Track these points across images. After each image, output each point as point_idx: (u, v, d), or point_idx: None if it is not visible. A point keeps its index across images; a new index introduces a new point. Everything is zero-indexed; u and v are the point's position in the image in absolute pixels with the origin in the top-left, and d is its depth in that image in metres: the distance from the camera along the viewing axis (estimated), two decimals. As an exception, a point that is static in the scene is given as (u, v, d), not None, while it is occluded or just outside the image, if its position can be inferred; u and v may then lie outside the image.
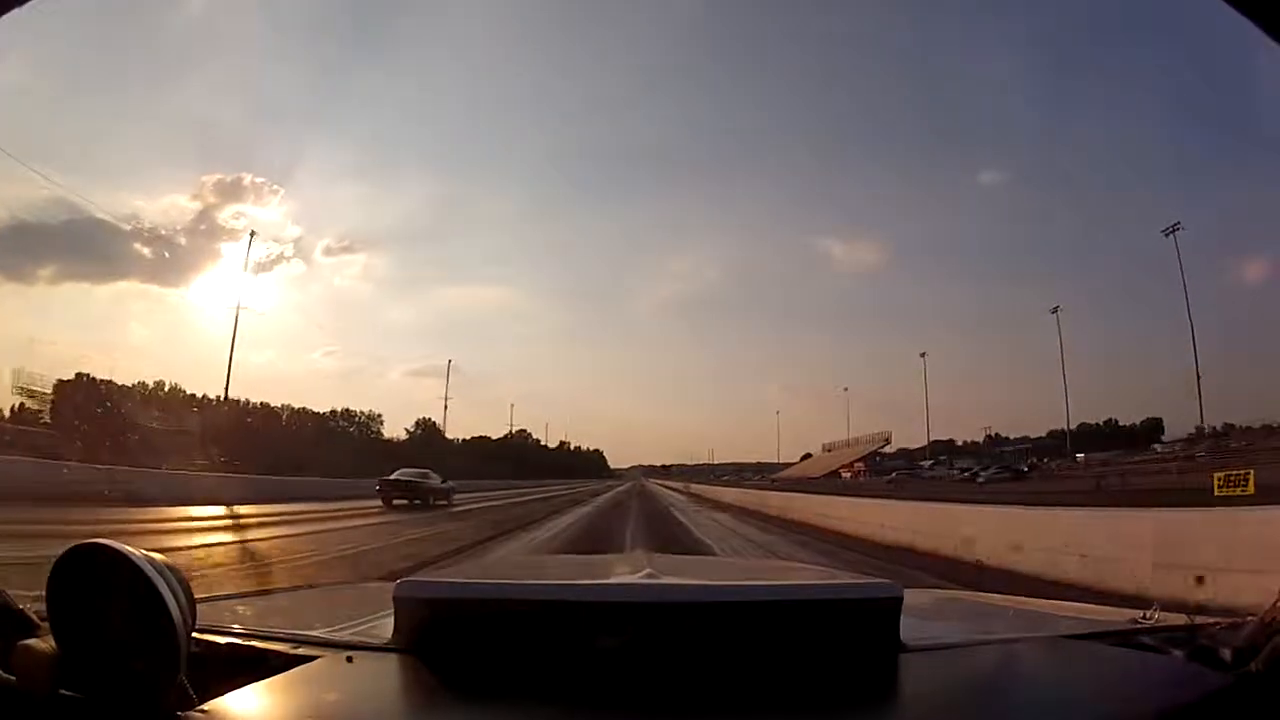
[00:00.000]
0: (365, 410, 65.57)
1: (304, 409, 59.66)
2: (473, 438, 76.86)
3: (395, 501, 20.57)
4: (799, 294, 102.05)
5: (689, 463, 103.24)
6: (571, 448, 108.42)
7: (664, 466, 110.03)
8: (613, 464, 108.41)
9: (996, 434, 65.92)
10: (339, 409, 63.78)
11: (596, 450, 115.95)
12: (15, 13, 1.08)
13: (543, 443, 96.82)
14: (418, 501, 20.87)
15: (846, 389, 77.32)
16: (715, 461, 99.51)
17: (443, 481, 23.37)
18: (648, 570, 1.45)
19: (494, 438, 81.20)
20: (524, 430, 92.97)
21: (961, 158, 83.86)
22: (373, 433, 64.21)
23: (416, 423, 71.26)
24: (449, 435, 72.44)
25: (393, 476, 21.72)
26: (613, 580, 1.46)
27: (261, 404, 54.02)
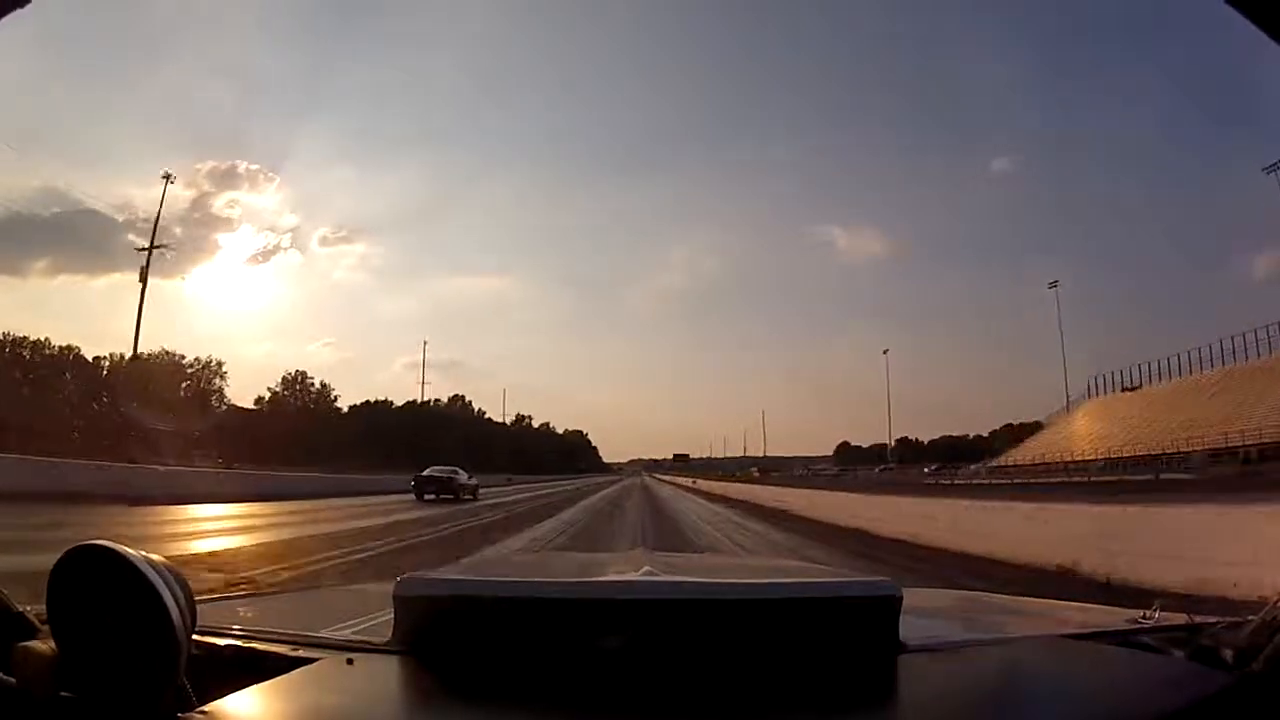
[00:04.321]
0: (200, 358, 47.74)
1: (118, 356, 40.92)
2: (364, 403, 60.37)
3: (426, 496, 23.02)
4: (814, 283, 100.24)
5: (695, 455, 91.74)
6: (532, 425, 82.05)
7: (678, 457, 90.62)
8: (607, 457, 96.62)
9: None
10: (155, 351, 43.14)
11: (578, 432, 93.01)
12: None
13: (488, 416, 74.02)
14: (447, 496, 23.33)
15: (1058, 289, 56.89)
16: (728, 455, 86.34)
17: (469, 478, 26.14)
18: (647, 568, 1.45)
19: (398, 404, 63.43)
20: (459, 397, 72.07)
21: (965, 146, 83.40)
22: (212, 392, 47.30)
23: (284, 379, 55.53)
24: (344, 403, 58.28)
25: (425, 473, 24.92)
26: (612, 578, 1.46)
27: (42, 340, 39.29)
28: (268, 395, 56.02)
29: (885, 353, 70.07)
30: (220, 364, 50.74)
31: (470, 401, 75.68)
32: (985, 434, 71.53)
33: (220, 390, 50.68)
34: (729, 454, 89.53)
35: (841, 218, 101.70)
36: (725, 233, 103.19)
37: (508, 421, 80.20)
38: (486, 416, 75.95)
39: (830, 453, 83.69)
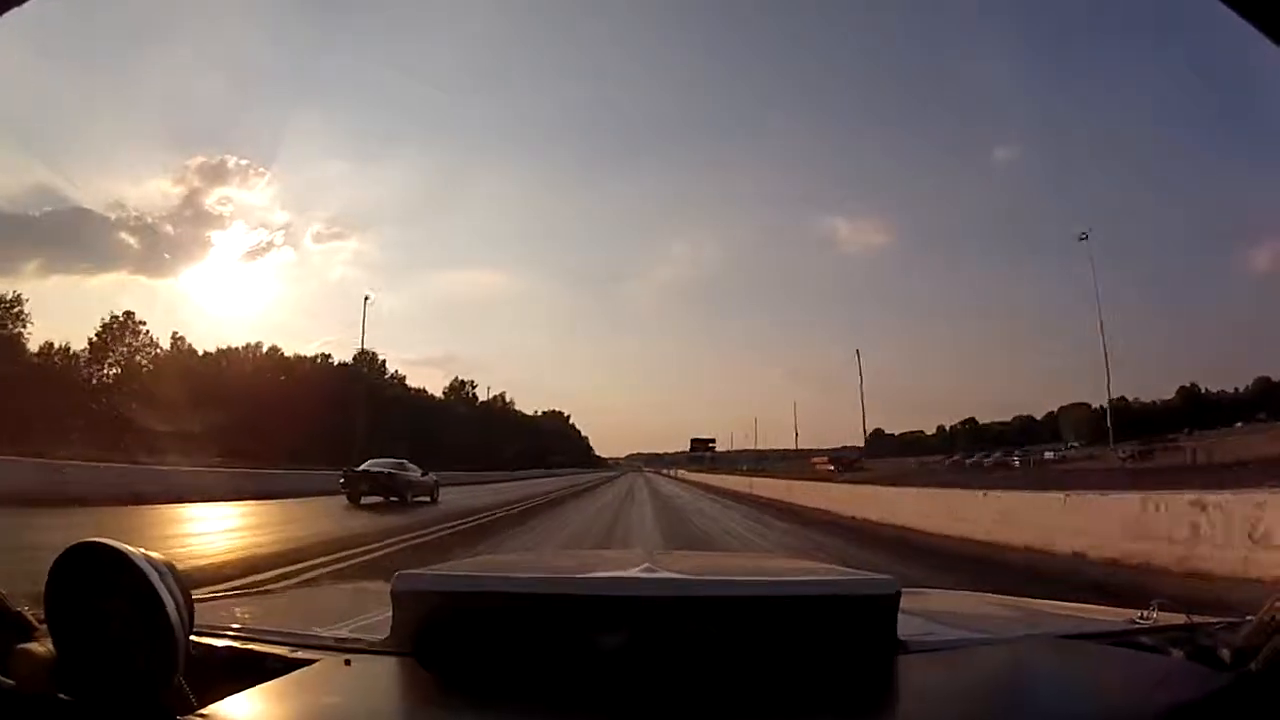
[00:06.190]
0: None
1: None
2: (206, 353, 43.76)
3: (364, 499, 17.60)
4: (816, 275, 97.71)
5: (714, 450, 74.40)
6: (474, 397, 60.87)
7: (697, 445, 71.12)
8: (604, 451, 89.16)
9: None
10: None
11: (556, 414, 71.60)
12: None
13: (402, 380, 54.39)
14: (393, 499, 17.90)
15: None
16: (755, 447, 69.62)
17: (423, 474, 20.21)
18: (647, 565, 1.46)
19: (241, 347, 46.62)
20: (368, 354, 51.79)
21: (967, 135, 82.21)
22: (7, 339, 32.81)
23: (103, 323, 40.40)
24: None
25: (361, 468, 18.76)
26: (613, 574, 1.46)
27: None
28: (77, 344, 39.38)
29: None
30: (17, 300, 34.27)
31: (384, 362, 54.60)
32: (1039, 417, 63.20)
33: (19, 337, 35.00)
34: (756, 446, 73.62)
35: (854, 207, 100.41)
36: (741, 222, 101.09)
37: (435, 392, 59.35)
38: (400, 379, 55.74)
39: (860, 443, 69.10)
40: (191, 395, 32.09)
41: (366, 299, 55.82)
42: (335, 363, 50.51)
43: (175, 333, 44.82)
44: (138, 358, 42.22)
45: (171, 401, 30.78)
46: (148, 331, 42.91)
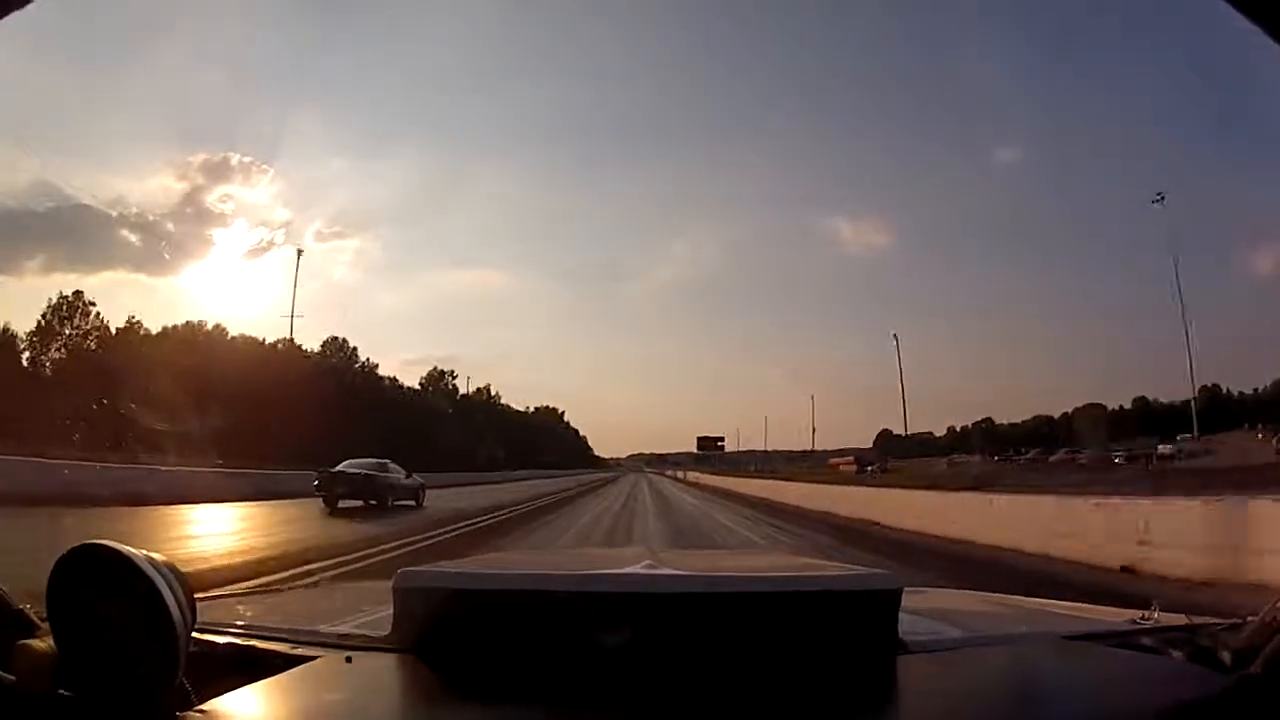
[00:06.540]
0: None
1: None
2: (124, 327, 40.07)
3: (342, 503, 16.53)
4: (817, 275, 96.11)
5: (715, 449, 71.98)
6: (453, 387, 56.95)
7: (705, 443, 66.16)
8: (604, 451, 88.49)
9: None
10: None
11: (549, 409, 67.95)
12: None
13: (375, 370, 51.56)
14: (373, 502, 16.85)
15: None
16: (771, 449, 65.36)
17: (407, 476, 18.92)
18: (648, 561, 1.46)
19: (182, 324, 42.58)
20: (338, 341, 49.24)
21: (968, 134, 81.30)
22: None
23: (50, 304, 38.61)
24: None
25: (338, 469, 17.60)
26: (614, 571, 1.46)
27: None
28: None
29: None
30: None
31: (356, 350, 50.51)
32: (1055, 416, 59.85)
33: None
34: (764, 447, 70.52)
35: (855, 207, 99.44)
36: (742, 222, 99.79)
37: (400, 378, 55.04)
38: (373, 366, 51.17)
39: (869, 445, 67.17)
40: (140, 381, 30.69)
41: (300, 253, 54.64)
42: (299, 345, 47.08)
43: (131, 316, 42.21)
44: (87, 341, 40.12)
45: (117, 388, 29.97)
46: (98, 314, 40.92)
